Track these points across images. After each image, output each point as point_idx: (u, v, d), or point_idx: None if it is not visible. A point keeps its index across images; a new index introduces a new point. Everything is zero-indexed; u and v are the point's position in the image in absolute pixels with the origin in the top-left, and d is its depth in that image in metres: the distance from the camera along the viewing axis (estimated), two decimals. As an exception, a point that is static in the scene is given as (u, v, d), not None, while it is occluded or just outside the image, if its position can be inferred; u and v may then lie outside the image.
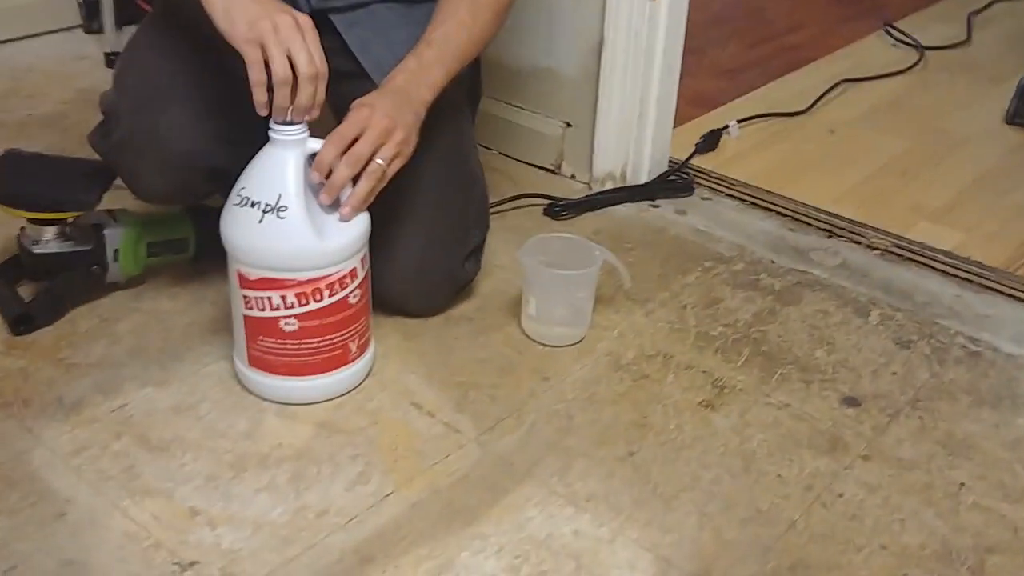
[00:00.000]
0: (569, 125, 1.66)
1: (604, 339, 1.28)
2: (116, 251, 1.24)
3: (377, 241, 1.14)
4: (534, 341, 1.26)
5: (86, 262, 1.22)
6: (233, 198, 1.06)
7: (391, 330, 1.25)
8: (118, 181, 1.22)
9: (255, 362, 1.10)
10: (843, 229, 1.57)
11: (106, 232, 1.22)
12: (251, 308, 1.07)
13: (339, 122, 1.11)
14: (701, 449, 1.10)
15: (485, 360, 1.22)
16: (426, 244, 1.23)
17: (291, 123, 1.03)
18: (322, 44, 1.06)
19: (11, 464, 1.01)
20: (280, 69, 1.01)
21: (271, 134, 1.04)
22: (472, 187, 1.32)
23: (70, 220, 1.22)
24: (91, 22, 2.07)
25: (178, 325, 1.24)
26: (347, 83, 1.24)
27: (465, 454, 1.07)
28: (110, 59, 1.88)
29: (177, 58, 1.20)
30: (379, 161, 1.08)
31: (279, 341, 1.08)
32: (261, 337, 1.09)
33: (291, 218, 1.03)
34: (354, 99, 1.13)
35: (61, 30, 2.09)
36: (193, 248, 1.30)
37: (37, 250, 1.20)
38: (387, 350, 1.22)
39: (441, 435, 1.09)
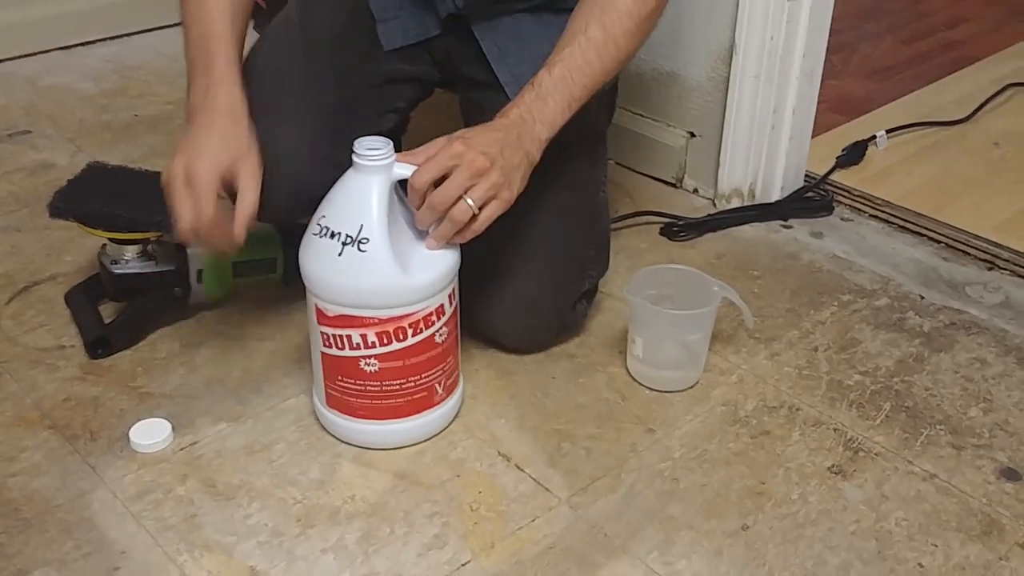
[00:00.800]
0: (693, 135, 1.51)
1: (721, 385, 1.14)
2: (200, 271, 1.17)
3: (483, 269, 1.03)
4: (641, 384, 1.13)
5: (168, 283, 1.16)
6: (312, 227, 0.97)
7: (483, 365, 1.15)
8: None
9: (333, 403, 1.02)
10: (1006, 261, 1.37)
11: (189, 252, 1.16)
12: (329, 346, 0.98)
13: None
14: (827, 526, 0.96)
15: (584, 405, 1.10)
16: (539, 283, 1.12)
17: (375, 147, 0.94)
18: (458, 50, 1.06)
19: (70, 506, 0.95)
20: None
21: (354, 159, 0.94)
22: (596, 223, 1.20)
23: (153, 238, 1.16)
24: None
25: (261, 352, 1.16)
26: (480, 92, 1.16)
27: (554, 518, 0.96)
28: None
29: (292, 69, 1.12)
30: (468, 202, 0.95)
31: (359, 382, 0.99)
32: (340, 377, 1.00)
33: (373, 251, 0.93)
34: (487, 109, 1.03)
35: (177, 24, 2.06)
36: (282, 268, 1.22)
37: (117, 270, 1.15)
38: (476, 389, 1.11)
39: (529, 494, 0.98)
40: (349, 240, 0.94)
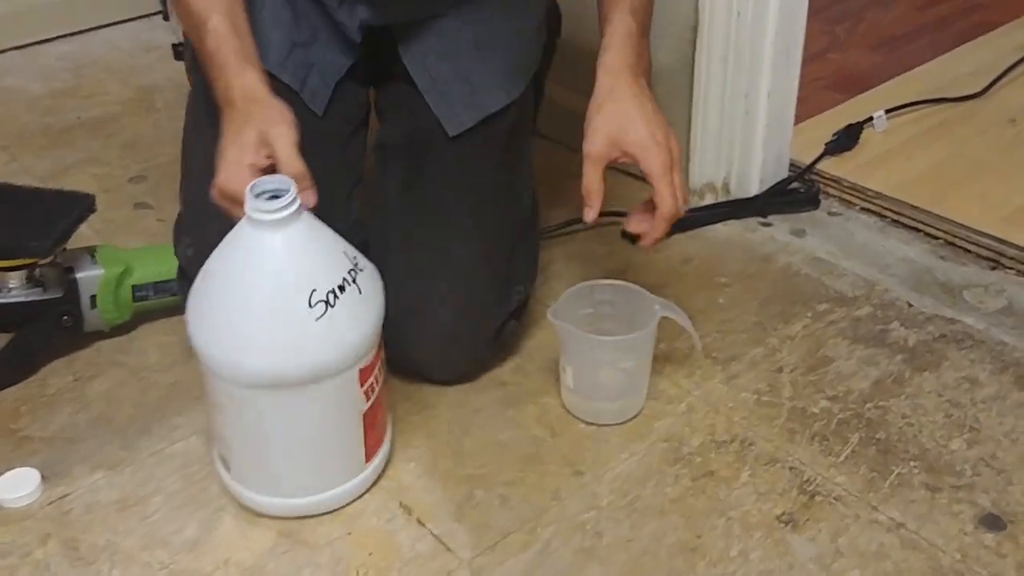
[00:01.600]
0: (663, 124, 1.37)
1: (665, 415, 1.00)
2: (93, 297, 1.07)
3: (399, 298, 0.92)
4: (575, 417, 1.00)
5: (56, 311, 1.06)
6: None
7: (402, 397, 1.03)
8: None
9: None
10: (1012, 259, 1.21)
11: (79, 277, 1.06)
12: None
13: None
14: (768, 591, 0.83)
15: (507, 444, 0.98)
16: (463, 308, 1.00)
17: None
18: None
19: (-86, 575, 0.86)
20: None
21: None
22: (526, 233, 1.08)
23: (42, 263, 1.06)
24: (169, 8, 1.93)
25: (159, 385, 1.06)
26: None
27: (452, 584, 0.84)
28: (177, 51, 1.72)
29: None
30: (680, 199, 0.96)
31: None
32: None
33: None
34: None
35: (139, 17, 1.96)
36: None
37: (0, 299, 1.05)
38: (391, 428, 1.00)
39: (427, 554, 0.86)
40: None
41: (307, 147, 0.85)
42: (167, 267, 1.09)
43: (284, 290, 0.81)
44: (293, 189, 0.80)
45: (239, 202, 0.81)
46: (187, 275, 0.94)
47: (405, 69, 1.04)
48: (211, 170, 0.85)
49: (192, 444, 0.98)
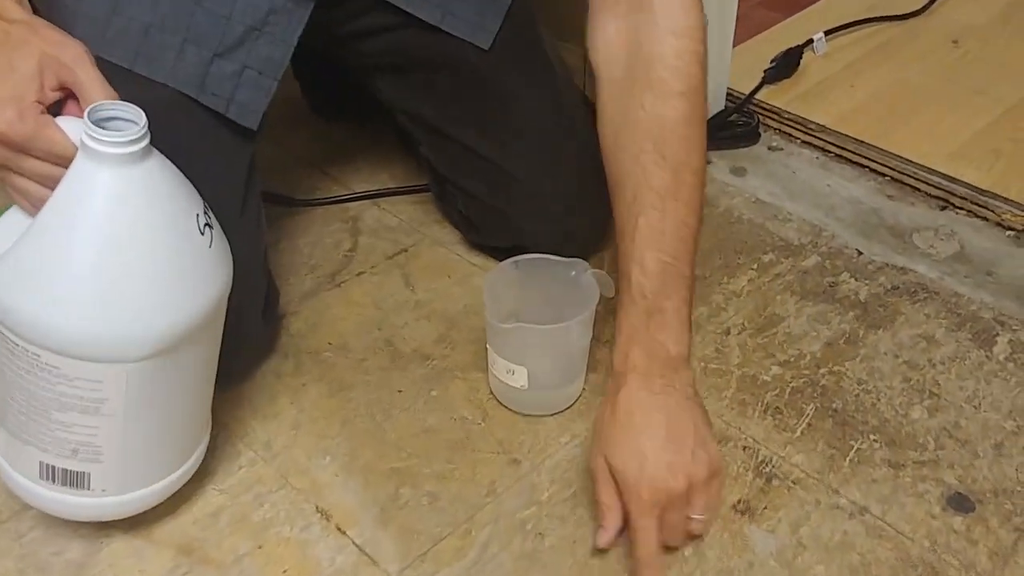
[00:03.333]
0: (592, 52, 1.25)
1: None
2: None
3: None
4: (525, 415, 0.90)
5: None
6: None
7: (312, 378, 0.92)
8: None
9: None
10: (962, 199, 1.14)
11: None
12: None
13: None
14: (727, 594, 0.76)
15: (434, 430, 0.88)
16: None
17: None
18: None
19: None
20: None
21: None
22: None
23: None
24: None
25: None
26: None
27: (380, 602, 0.75)
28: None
29: None
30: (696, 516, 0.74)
31: None
32: None
33: None
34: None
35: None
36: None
37: None
38: (301, 414, 0.88)
39: (349, 569, 0.76)
40: None
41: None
42: None
43: (169, 231, 0.67)
44: (142, 114, 0.65)
45: (27, 150, 0.65)
46: None
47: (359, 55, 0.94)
48: None
49: (73, 444, 0.86)
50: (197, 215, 0.68)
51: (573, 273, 0.87)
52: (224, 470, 0.83)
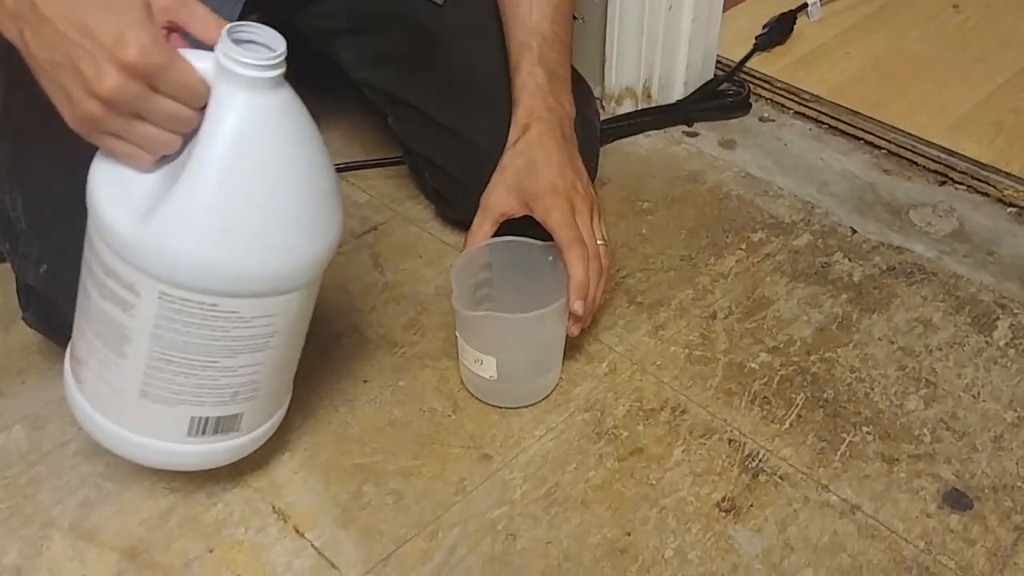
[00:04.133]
0: (575, 18, 1.18)
1: (585, 379, 0.87)
2: None
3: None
4: (494, 406, 0.85)
5: None
6: None
7: (274, 366, 0.87)
8: None
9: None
10: (962, 173, 1.09)
11: None
12: None
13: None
14: (710, 600, 0.71)
15: (400, 423, 0.83)
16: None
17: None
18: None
19: None
20: None
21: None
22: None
23: None
24: None
25: (-25, 359, 0.87)
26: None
27: (339, 609, 0.70)
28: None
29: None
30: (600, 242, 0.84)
31: None
32: None
33: None
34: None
35: None
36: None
37: None
38: (260, 405, 0.83)
39: (306, 573, 0.72)
40: None
41: None
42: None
43: (316, 154, 0.64)
44: (280, 37, 0.60)
45: (158, 85, 0.57)
46: (40, 297, 0.76)
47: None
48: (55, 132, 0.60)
49: (15, 436, 0.80)
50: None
51: (550, 258, 0.82)
52: (176, 466, 0.78)
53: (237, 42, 0.58)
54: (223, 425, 0.69)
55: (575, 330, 0.82)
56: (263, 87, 0.59)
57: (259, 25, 0.60)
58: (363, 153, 1.11)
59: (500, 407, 0.84)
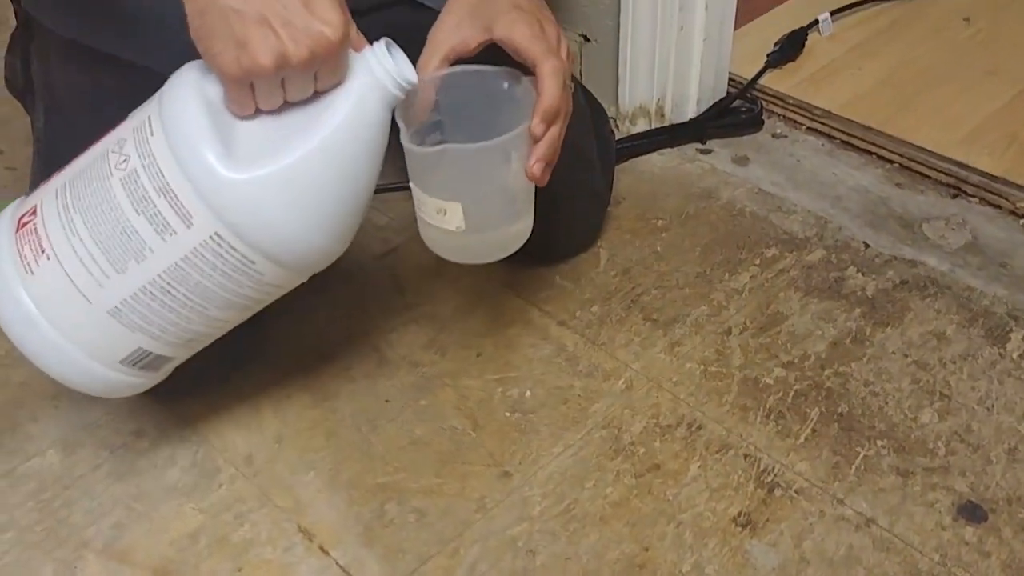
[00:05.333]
0: (587, 39, 1.20)
1: (602, 396, 0.88)
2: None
3: None
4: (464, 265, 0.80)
5: None
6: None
7: (296, 388, 0.88)
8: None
9: None
10: (975, 186, 1.10)
11: None
12: None
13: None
14: (727, 614, 0.72)
15: (422, 441, 0.85)
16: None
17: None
18: None
19: None
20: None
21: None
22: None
23: None
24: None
25: (7, 384, 0.90)
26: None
27: (364, 626, 0.72)
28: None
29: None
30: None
31: None
32: None
33: None
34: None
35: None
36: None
37: None
38: (284, 427, 0.85)
39: (332, 591, 0.74)
40: None
41: None
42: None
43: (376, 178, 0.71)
44: (412, 68, 0.68)
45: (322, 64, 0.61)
46: None
47: None
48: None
49: (49, 460, 0.83)
50: None
51: (506, 85, 0.74)
52: (204, 487, 0.81)
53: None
54: (154, 364, 0.70)
55: (537, 168, 0.71)
56: (390, 102, 0.66)
57: (399, 49, 0.66)
58: (382, 177, 1.13)
59: (471, 264, 0.81)
